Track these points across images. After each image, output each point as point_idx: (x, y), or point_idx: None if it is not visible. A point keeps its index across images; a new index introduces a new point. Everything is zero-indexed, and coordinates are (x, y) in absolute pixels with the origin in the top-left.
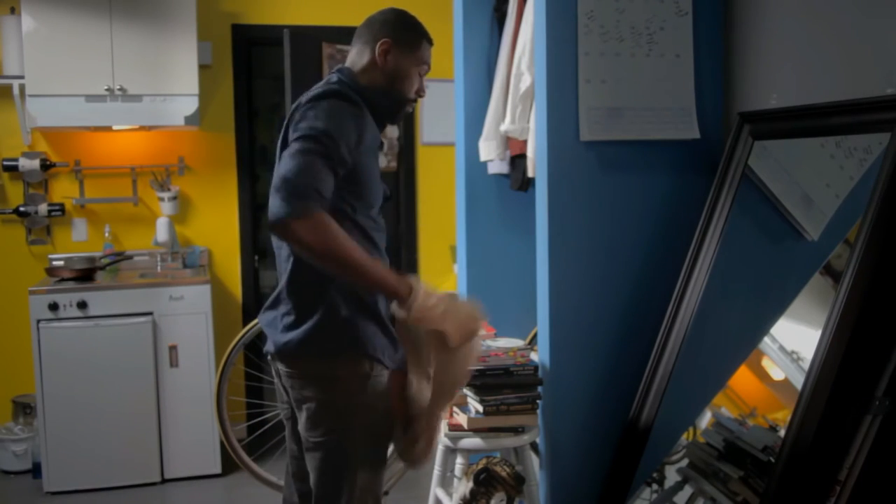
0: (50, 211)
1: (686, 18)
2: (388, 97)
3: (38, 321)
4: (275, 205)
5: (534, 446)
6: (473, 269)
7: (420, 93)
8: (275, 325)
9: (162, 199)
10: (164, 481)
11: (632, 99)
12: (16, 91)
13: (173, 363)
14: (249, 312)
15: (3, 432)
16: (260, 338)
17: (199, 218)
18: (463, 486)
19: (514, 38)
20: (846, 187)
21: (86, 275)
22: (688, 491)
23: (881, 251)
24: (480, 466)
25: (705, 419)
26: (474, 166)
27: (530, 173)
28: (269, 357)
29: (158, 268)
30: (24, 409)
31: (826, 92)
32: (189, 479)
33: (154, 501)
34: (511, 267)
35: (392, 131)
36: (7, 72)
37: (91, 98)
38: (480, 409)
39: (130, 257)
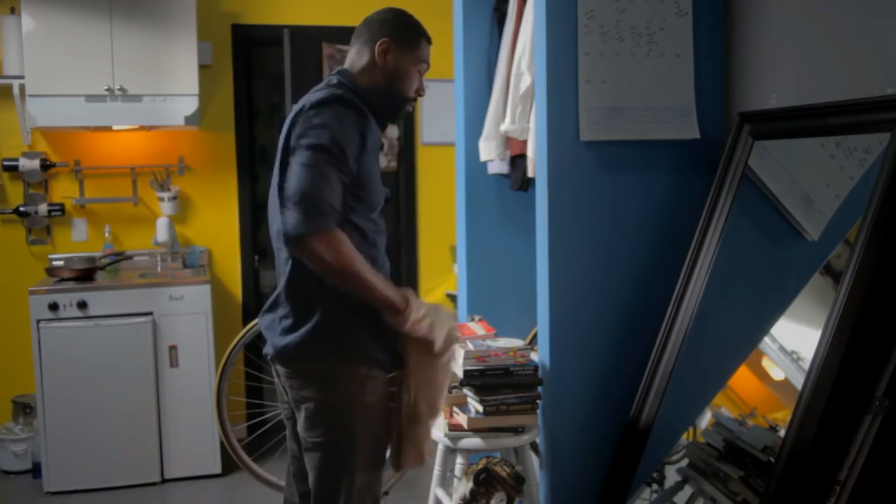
0: (50, 211)
1: (686, 18)
2: (388, 97)
3: (38, 321)
4: (293, 220)
5: (534, 446)
6: (473, 269)
7: (420, 91)
8: (274, 328)
9: (162, 199)
10: (164, 481)
11: (632, 99)
12: (16, 91)
13: (173, 363)
14: (249, 312)
15: (3, 432)
16: (260, 338)
17: (199, 218)
18: (463, 486)
19: (514, 38)
20: (846, 187)
21: (86, 275)
22: (688, 491)
23: (881, 251)
24: (480, 466)
25: (705, 419)
26: (474, 166)
27: (530, 173)
28: (268, 358)
29: (158, 268)
30: (24, 409)
31: (826, 92)
32: (189, 479)
33: (154, 501)
34: (511, 267)
35: (392, 131)
36: (7, 72)
37: (91, 98)
38: (480, 409)
39: (130, 257)
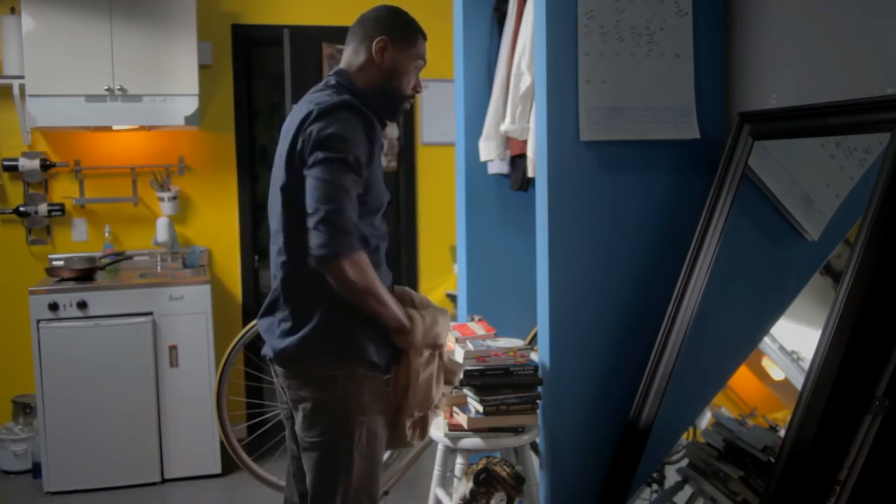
0: (50, 211)
1: (686, 18)
2: (386, 95)
3: (38, 321)
4: (320, 241)
5: (534, 446)
6: (473, 269)
7: (417, 88)
8: (273, 331)
9: (162, 199)
10: (164, 481)
11: (632, 99)
12: (16, 91)
13: (173, 363)
14: (249, 312)
15: (3, 432)
16: (260, 338)
17: (199, 218)
18: (463, 486)
19: (514, 38)
20: (846, 187)
21: (86, 275)
22: (688, 491)
23: (881, 251)
24: (480, 466)
25: (705, 419)
26: (474, 166)
27: (530, 173)
28: (267, 359)
29: (158, 268)
30: (24, 409)
31: (826, 92)
32: (189, 479)
33: (154, 501)
34: (511, 267)
35: (392, 131)
36: (7, 72)
37: (91, 98)
38: (480, 409)
39: (130, 257)
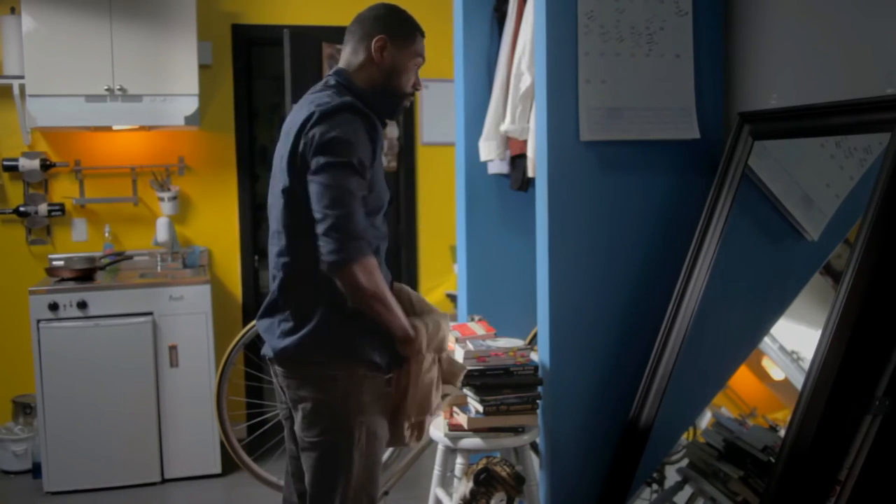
0: (50, 211)
1: (686, 18)
2: (386, 93)
3: (38, 321)
4: (331, 247)
5: (534, 446)
6: (473, 270)
7: (416, 86)
8: (273, 331)
9: (162, 199)
10: (164, 481)
11: (632, 99)
12: (16, 91)
13: (173, 363)
14: (249, 312)
15: (3, 432)
16: (260, 338)
17: (199, 218)
18: (463, 486)
19: (514, 38)
20: (846, 187)
21: (86, 275)
22: (688, 491)
23: (881, 251)
24: (480, 466)
25: (705, 419)
26: (474, 166)
27: (530, 173)
28: (266, 359)
29: (158, 268)
30: (24, 409)
31: (826, 92)
32: (189, 479)
33: (154, 501)
34: (511, 267)
35: (392, 131)
36: (7, 72)
37: (91, 98)
38: (480, 409)
39: (130, 257)
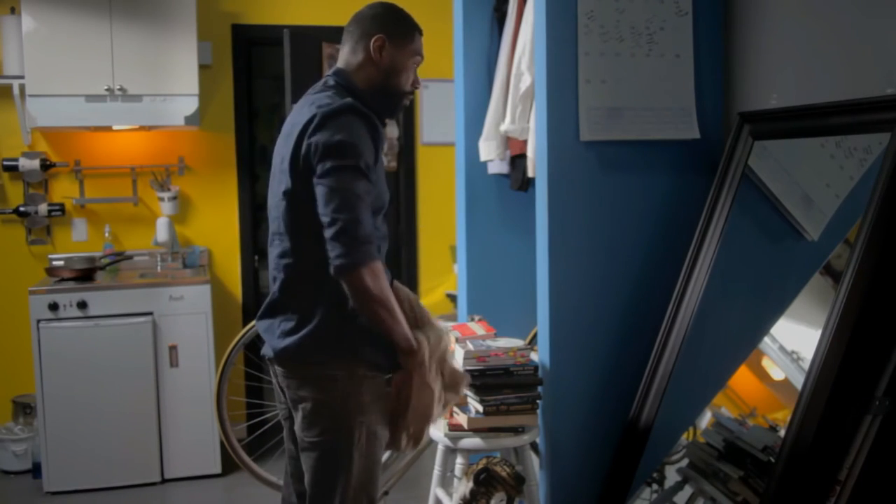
0: (50, 211)
1: (686, 18)
2: (385, 93)
3: (38, 321)
4: (340, 253)
5: (534, 446)
6: (473, 270)
7: (415, 84)
8: (273, 331)
9: (162, 199)
10: (164, 481)
11: (632, 99)
12: (16, 91)
13: (173, 363)
14: (249, 312)
15: (3, 432)
16: (260, 338)
17: (199, 218)
18: (463, 486)
19: (514, 38)
20: (846, 187)
21: (86, 275)
22: (688, 491)
23: (881, 251)
24: (480, 466)
25: (705, 419)
26: (474, 166)
27: (530, 173)
28: (266, 359)
29: (158, 268)
30: (24, 409)
31: (826, 92)
32: (189, 479)
33: (154, 501)
34: (511, 267)
35: (392, 131)
36: (7, 72)
37: (91, 98)
38: (480, 409)
39: (130, 257)
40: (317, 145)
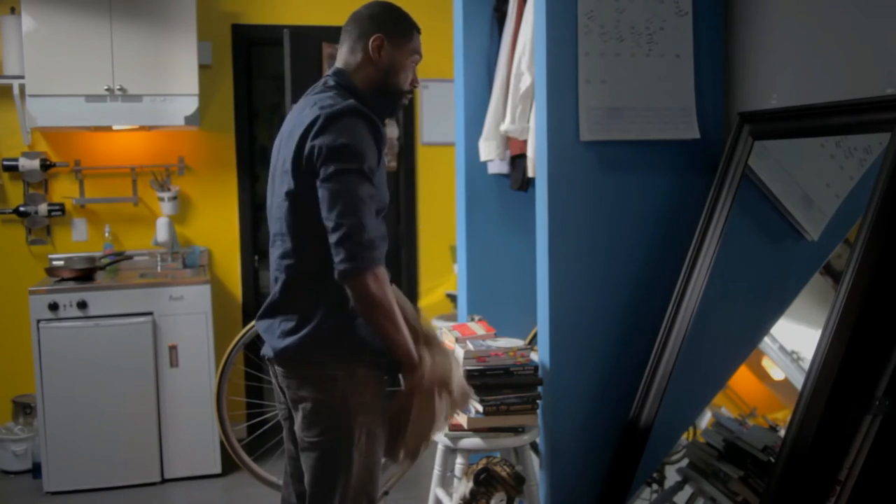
0: (50, 211)
1: (686, 18)
2: (385, 92)
3: (38, 321)
4: (344, 257)
5: (534, 446)
6: (473, 270)
7: (414, 83)
8: (273, 331)
9: (162, 199)
10: (164, 481)
11: (632, 99)
12: (16, 91)
13: (173, 363)
14: (249, 312)
15: (3, 432)
16: (260, 338)
17: (199, 218)
18: (463, 486)
19: (514, 38)
20: (846, 187)
21: (86, 275)
22: (688, 491)
23: (881, 251)
24: (480, 466)
25: (705, 419)
26: (474, 166)
27: (530, 173)
28: (266, 359)
29: (158, 268)
30: (24, 409)
31: (826, 92)
32: (189, 479)
33: (154, 501)
34: (511, 267)
35: (392, 131)
36: (7, 72)
37: (91, 98)
38: (480, 409)
39: (130, 257)
40: (320, 148)
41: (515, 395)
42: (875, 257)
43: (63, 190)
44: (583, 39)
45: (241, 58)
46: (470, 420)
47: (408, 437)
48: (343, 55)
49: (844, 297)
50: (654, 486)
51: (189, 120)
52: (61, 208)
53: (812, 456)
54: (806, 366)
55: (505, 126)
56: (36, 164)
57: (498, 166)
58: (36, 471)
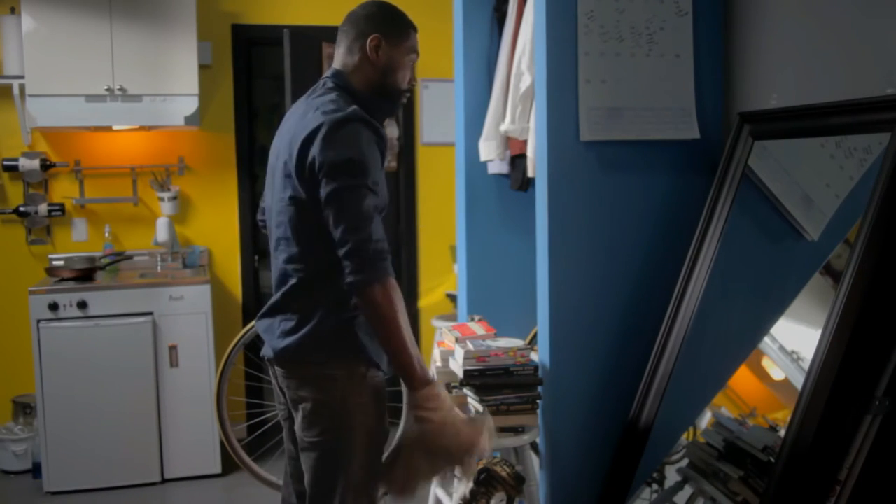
0: (50, 211)
1: (686, 18)
2: (384, 92)
3: (38, 321)
4: (353, 270)
5: (534, 446)
6: (473, 270)
7: (412, 82)
8: (272, 331)
9: (162, 199)
10: (164, 481)
11: (632, 99)
12: (16, 91)
13: (173, 363)
14: (249, 312)
15: (3, 432)
16: (260, 338)
17: (199, 218)
18: (463, 486)
19: (514, 38)
20: (846, 187)
21: (86, 275)
22: (688, 491)
23: (881, 251)
24: (480, 466)
25: (705, 419)
26: (474, 166)
27: (530, 173)
28: (266, 360)
29: (158, 268)
30: (24, 409)
31: (826, 92)
32: (189, 479)
33: (154, 501)
34: (511, 267)
35: (392, 131)
36: (7, 72)
37: (91, 98)
38: (480, 409)
39: (130, 257)
40: (323, 162)
41: (515, 395)
42: (875, 257)
43: (63, 190)
44: (583, 39)
45: (241, 58)
46: None
47: (403, 475)
48: (340, 56)
49: (844, 297)
50: (654, 486)
51: (189, 120)
52: (61, 208)
53: (812, 456)
54: (806, 366)
55: (505, 126)
56: (36, 164)
57: (498, 166)
58: (36, 471)
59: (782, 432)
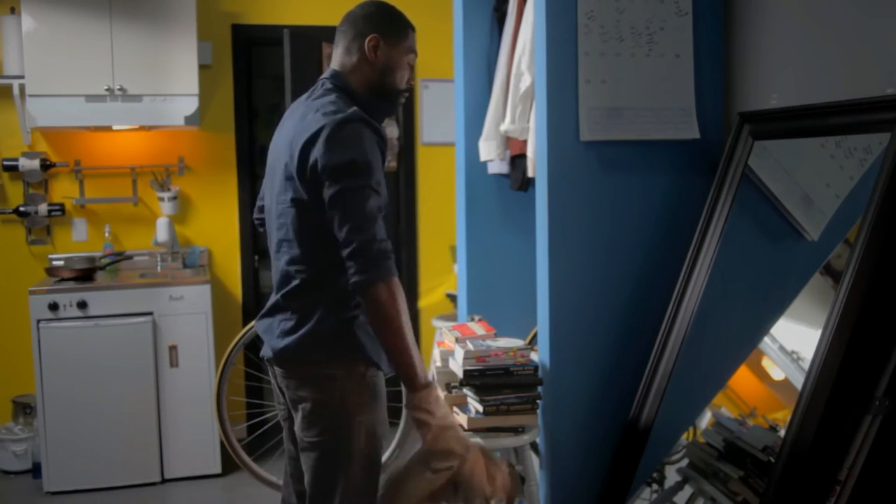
0: (50, 211)
1: (686, 18)
2: (382, 93)
3: (38, 321)
4: (356, 270)
5: (534, 446)
6: (473, 269)
7: (410, 82)
8: (272, 331)
9: (162, 199)
10: (164, 481)
11: (632, 99)
12: (16, 91)
13: (173, 363)
14: (249, 312)
15: (3, 432)
16: (260, 338)
17: (199, 218)
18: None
19: (514, 38)
20: (846, 187)
21: (86, 275)
22: (688, 491)
23: (881, 251)
24: None
25: (705, 419)
26: (474, 166)
27: (530, 173)
28: (265, 360)
29: (158, 268)
30: (24, 409)
31: (826, 92)
32: (189, 479)
33: (154, 501)
34: (511, 267)
35: (392, 131)
36: (7, 72)
37: (91, 98)
38: (480, 409)
39: (130, 257)
40: (326, 164)
41: (515, 395)
42: (875, 257)
43: (63, 190)
44: (583, 39)
45: (241, 58)
46: (470, 420)
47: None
48: (339, 56)
49: (844, 297)
50: (654, 486)
51: (189, 120)
52: (61, 208)
53: (812, 456)
54: (806, 366)
55: (505, 126)
56: (36, 164)
57: (498, 166)
58: (36, 471)
59: (782, 432)
